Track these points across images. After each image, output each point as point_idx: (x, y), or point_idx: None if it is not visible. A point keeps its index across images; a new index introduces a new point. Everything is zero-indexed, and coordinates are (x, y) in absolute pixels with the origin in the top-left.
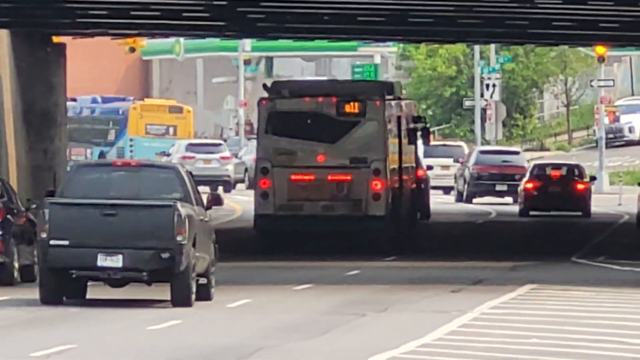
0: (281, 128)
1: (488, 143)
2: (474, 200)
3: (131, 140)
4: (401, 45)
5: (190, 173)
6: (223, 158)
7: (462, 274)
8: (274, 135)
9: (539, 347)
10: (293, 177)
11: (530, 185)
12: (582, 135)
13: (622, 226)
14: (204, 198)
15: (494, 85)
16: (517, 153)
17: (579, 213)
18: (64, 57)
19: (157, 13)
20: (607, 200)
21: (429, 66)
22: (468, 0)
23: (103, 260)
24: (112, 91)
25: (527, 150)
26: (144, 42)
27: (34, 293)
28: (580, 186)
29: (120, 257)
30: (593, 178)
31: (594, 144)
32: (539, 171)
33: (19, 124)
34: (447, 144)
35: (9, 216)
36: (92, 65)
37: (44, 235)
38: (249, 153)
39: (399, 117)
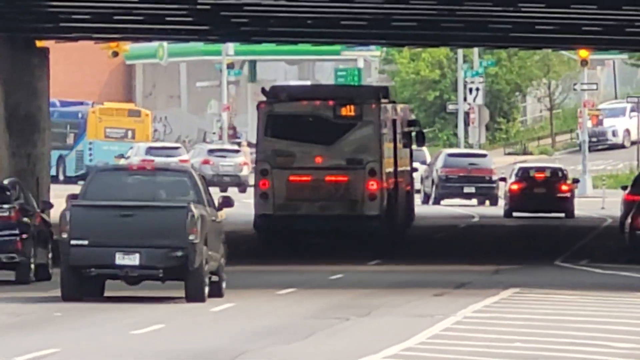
0: (280, 131)
1: (471, 147)
2: (442, 202)
3: (90, 143)
4: (384, 49)
5: (203, 176)
6: (182, 161)
7: (445, 278)
8: (272, 137)
9: (523, 350)
10: (291, 178)
11: (515, 187)
12: (565, 138)
13: (605, 230)
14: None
15: (477, 89)
16: (484, 156)
17: (563, 215)
18: (48, 61)
19: (141, 17)
20: (591, 203)
21: (412, 70)
22: (451, 3)
23: (121, 259)
24: (96, 95)
25: (510, 154)
26: (127, 47)
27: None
28: (564, 188)
29: (137, 255)
30: (576, 180)
31: (577, 148)
32: (524, 173)
33: (1, 129)
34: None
35: (25, 218)
36: (75, 69)
37: (65, 235)
38: (197, 156)
39: (394, 121)
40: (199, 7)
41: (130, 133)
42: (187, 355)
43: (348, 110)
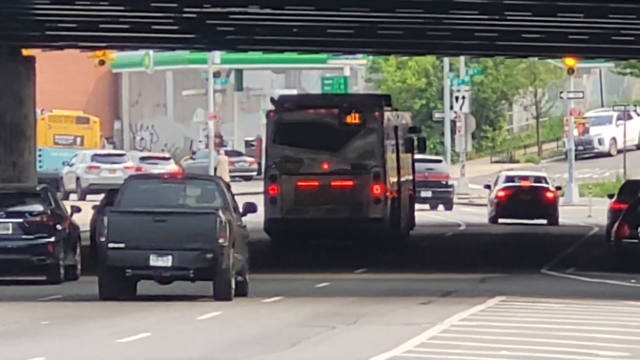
0: (288, 138)
1: (457, 155)
2: None
3: (40, 150)
4: (371, 57)
5: (228, 184)
6: (127, 168)
7: (431, 286)
8: (281, 144)
9: (509, 359)
10: (299, 183)
11: (502, 194)
12: (552, 147)
13: (592, 238)
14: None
15: (463, 98)
16: (439, 161)
17: (547, 221)
18: (34, 69)
19: (127, 26)
20: (577, 212)
21: (398, 78)
22: (437, 12)
23: (155, 261)
24: (82, 104)
25: (496, 162)
26: (114, 55)
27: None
28: (549, 195)
29: (169, 257)
30: (558, 188)
31: (564, 156)
32: (509, 181)
33: None
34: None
35: (55, 223)
36: (61, 78)
37: (103, 239)
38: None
39: (396, 128)
40: (185, 15)
41: (79, 140)
42: None
43: (353, 118)
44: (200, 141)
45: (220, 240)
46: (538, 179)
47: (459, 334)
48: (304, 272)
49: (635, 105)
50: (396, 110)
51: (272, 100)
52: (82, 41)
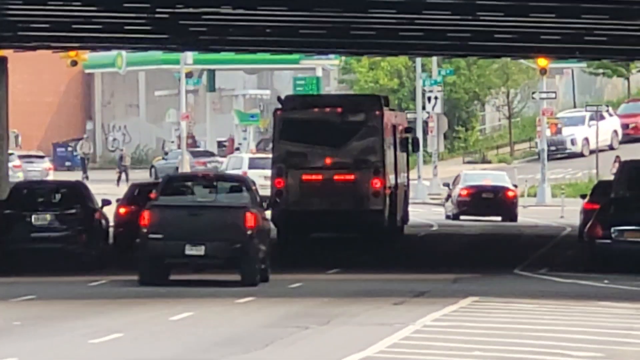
0: (293, 135)
1: (430, 155)
2: None
3: None
4: (343, 58)
5: (253, 182)
6: (47, 170)
7: (404, 287)
8: (287, 141)
9: (482, 359)
10: (304, 177)
11: (464, 192)
12: (524, 147)
13: (565, 238)
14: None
15: (435, 98)
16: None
17: (508, 218)
18: (6, 70)
19: (99, 26)
20: (549, 212)
21: (370, 79)
22: (410, 12)
23: (189, 250)
24: (55, 104)
25: (469, 162)
26: (86, 56)
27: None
28: (510, 193)
29: (203, 247)
30: (514, 186)
31: (536, 156)
32: (471, 180)
33: None
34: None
35: (88, 215)
36: (34, 78)
37: (144, 230)
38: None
39: (394, 126)
40: (157, 16)
41: None
42: None
43: (355, 117)
44: (172, 141)
45: (248, 232)
46: (499, 178)
47: (431, 335)
48: (276, 273)
49: (607, 106)
50: (393, 110)
51: (279, 99)
52: (55, 42)
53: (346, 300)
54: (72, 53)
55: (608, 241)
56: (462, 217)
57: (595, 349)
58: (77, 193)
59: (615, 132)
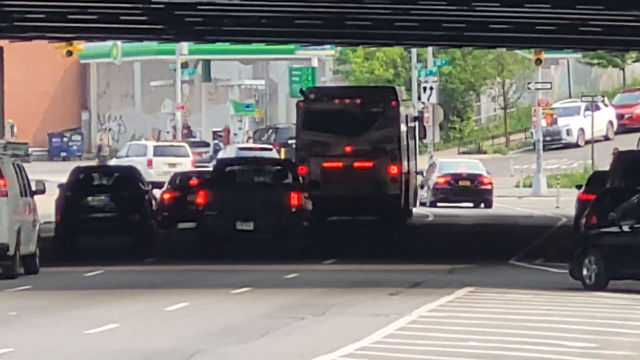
0: (316, 125)
1: (425, 146)
2: None
3: None
4: (338, 48)
5: (295, 164)
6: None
7: (400, 277)
8: (309, 130)
9: (477, 349)
10: (326, 164)
11: (442, 180)
12: (520, 137)
13: (560, 229)
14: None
15: (431, 88)
16: (270, 149)
17: (483, 205)
18: (2, 60)
19: (95, 17)
20: (545, 202)
21: (366, 69)
22: (405, 3)
23: (240, 225)
24: (50, 95)
25: (464, 153)
26: (82, 46)
27: None
28: (485, 180)
29: (252, 223)
30: (488, 173)
31: (532, 147)
32: (447, 168)
33: None
34: (174, 144)
35: (141, 196)
36: (29, 69)
37: (200, 208)
38: None
39: (406, 116)
40: (153, 6)
41: None
42: (141, 355)
43: (373, 107)
44: (168, 132)
45: (293, 209)
46: (475, 165)
47: (427, 325)
48: (272, 263)
49: (603, 96)
50: (405, 100)
51: (301, 91)
52: (50, 32)
53: (342, 290)
54: (67, 43)
55: None
56: (438, 205)
57: (590, 340)
58: (130, 176)
59: (611, 122)
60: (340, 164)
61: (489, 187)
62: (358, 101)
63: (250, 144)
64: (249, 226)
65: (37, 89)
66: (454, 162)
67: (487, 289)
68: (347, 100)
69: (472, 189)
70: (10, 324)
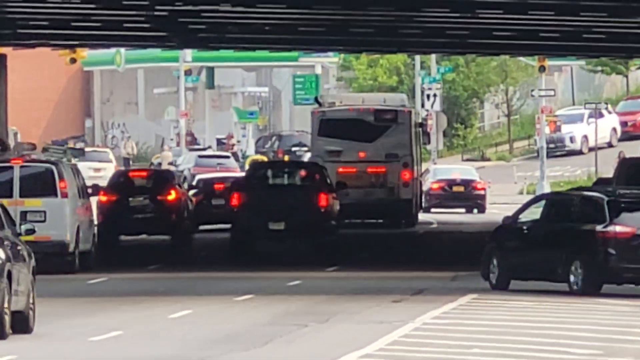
0: (330, 131)
1: (429, 153)
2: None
3: None
4: (342, 55)
5: (324, 167)
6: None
7: (403, 284)
8: (324, 137)
9: (481, 357)
10: (340, 169)
11: (436, 186)
12: (523, 145)
13: None
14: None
15: (434, 96)
16: (228, 157)
17: (477, 210)
18: (5, 68)
19: (98, 24)
20: None
21: (369, 76)
22: (408, 10)
23: (272, 225)
24: (54, 102)
25: (467, 160)
26: (85, 53)
27: None
28: (479, 186)
29: (283, 223)
30: (481, 179)
31: (535, 154)
32: (441, 174)
33: None
34: (97, 150)
35: (179, 198)
36: (33, 76)
37: (235, 209)
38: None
39: (415, 123)
40: (156, 13)
41: None
42: None
43: (386, 115)
44: (171, 139)
45: (322, 210)
46: (468, 171)
47: (431, 332)
48: (275, 270)
49: (606, 103)
50: (412, 107)
51: (316, 99)
52: (54, 39)
53: (345, 298)
54: (70, 50)
55: None
56: (432, 210)
57: (594, 346)
58: (167, 179)
59: (614, 129)
60: (354, 170)
61: (482, 192)
62: (371, 109)
63: (210, 152)
64: (281, 226)
65: (40, 96)
66: (448, 168)
67: (491, 296)
68: (361, 108)
69: (466, 195)
70: (13, 332)
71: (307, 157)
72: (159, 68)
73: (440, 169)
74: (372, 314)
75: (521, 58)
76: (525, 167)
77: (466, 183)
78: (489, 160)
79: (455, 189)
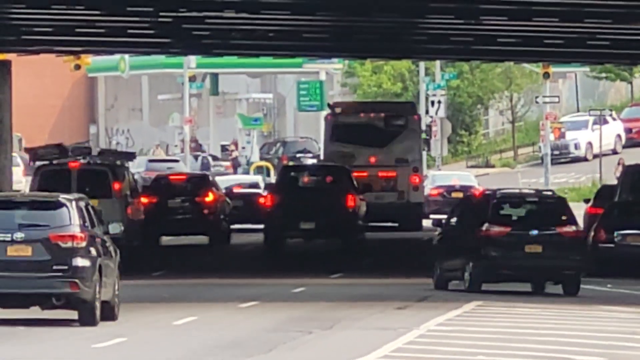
0: (342, 136)
1: (434, 160)
2: None
3: None
4: (346, 62)
5: (350, 170)
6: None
7: (407, 291)
8: (336, 142)
9: None
10: (352, 174)
11: (435, 192)
12: (528, 151)
13: None
14: None
15: (439, 102)
16: (177, 161)
17: None
18: (9, 74)
19: (103, 30)
20: None
21: (374, 83)
22: (413, 16)
23: (303, 224)
24: (58, 108)
25: (472, 166)
26: (89, 59)
27: None
28: (477, 193)
29: (313, 223)
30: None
31: (540, 161)
32: (440, 180)
33: None
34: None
35: (216, 201)
36: (37, 82)
37: (268, 210)
38: None
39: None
40: (160, 19)
41: None
42: None
43: (396, 121)
44: (176, 145)
45: (349, 210)
46: (465, 177)
47: (435, 339)
48: (280, 277)
49: (611, 110)
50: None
51: (329, 105)
52: (58, 45)
53: (349, 304)
54: (75, 57)
55: (611, 245)
56: (431, 216)
57: (598, 354)
58: (204, 182)
59: (619, 136)
60: (365, 174)
61: None
62: (382, 115)
63: (160, 157)
64: (311, 225)
65: (45, 103)
66: (447, 175)
67: (495, 303)
68: (372, 114)
69: None
70: (18, 337)
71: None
72: (163, 74)
73: (439, 175)
74: (376, 321)
75: (525, 65)
76: (529, 173)
77: (465, 189)
78: (493, 166)
79: (454, 194)
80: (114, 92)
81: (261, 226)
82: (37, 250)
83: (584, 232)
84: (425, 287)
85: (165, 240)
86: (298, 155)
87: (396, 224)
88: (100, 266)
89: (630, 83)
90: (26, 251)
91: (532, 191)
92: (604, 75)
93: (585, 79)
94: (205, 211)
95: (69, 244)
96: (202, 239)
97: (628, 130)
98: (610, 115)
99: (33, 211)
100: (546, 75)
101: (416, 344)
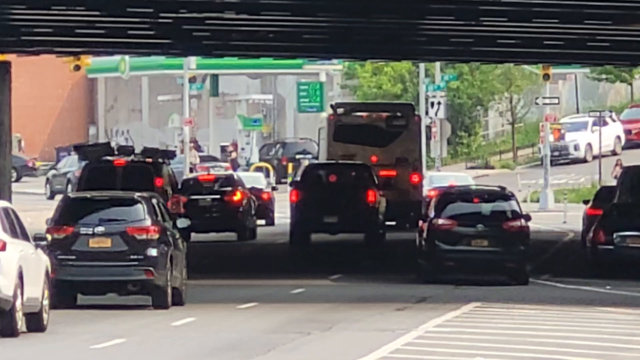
0: (344, 136)
1: (433, 161)
2: None
3: None
4: (346, 63)
5: (371, 167)
6: None
7: (406, 292)
8: (339, 142)
9: None
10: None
11: (432, 193)
12: (527, 153)
13: (567, 244)
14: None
15: (439, 103)
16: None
17: None
18: (9, 75)
19: (102, 31)
20: (552, 217)
21: (374, 84)
22: (413, 18)
23: (327, 219)
24: (58, 109)
25: (472, 167)
26: (89, 60)
27: None
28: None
29: (336, 217)
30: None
31: (539, 162)
32: (437, 181)
33: None
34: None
35: (243, 199)
36: (37, 83)
37: (294, 204)
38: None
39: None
40: (160, 20)
41: None
42: None
43: (397, 121)
44: (175, 146)
45: (370, 205)
46: (461, 178)
47: (433, 340)
48: (278, 278)
49: (610, 111)
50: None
51: (331, 106)
52: (58, 46)
53: (348, 305)
54: (75, 58)
55: (611, 247)
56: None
57: (597, 355)
58: (232, 181)
59: (618, 137)
60: None
61: None
62: (383, 115)
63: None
64: (334, 219)
65: (44, 104)
66: (444, 176)
67: (494, 304)
68: (374, 115)
69: None
70: (16, 339)
71: None
72: (163, 75)
73: (437, 176)
74: (375, 322)
75: (525, 66)
76: (529, 175)
77: None
78: (493, 168)
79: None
80: (114, 93)
81: (263, 222)
82: (116, 242)
83: (527, 226)
84: (424, 288)
85: (194, 237)
86: (298, 156)
87: (393, 223)
88: (171, 256)
89: (630, 84)
90: (106, 243)
91: (482, 188)
92: (603, 76)
93: (585, 81)
94: (234, 209)
95: (144, 236)
96: (231, 236)
97: (628, 132)
98: (610, 116)
99: (112, 208)
100: (546, 77)
101: (415, 345)
